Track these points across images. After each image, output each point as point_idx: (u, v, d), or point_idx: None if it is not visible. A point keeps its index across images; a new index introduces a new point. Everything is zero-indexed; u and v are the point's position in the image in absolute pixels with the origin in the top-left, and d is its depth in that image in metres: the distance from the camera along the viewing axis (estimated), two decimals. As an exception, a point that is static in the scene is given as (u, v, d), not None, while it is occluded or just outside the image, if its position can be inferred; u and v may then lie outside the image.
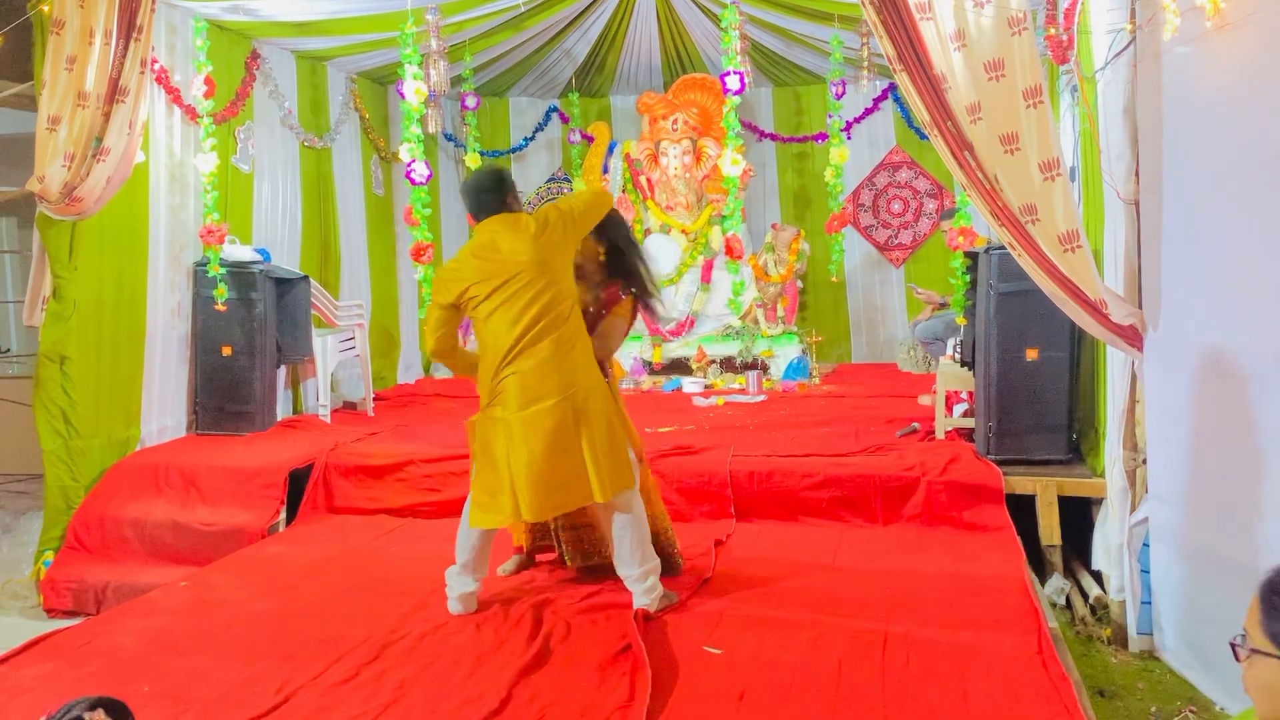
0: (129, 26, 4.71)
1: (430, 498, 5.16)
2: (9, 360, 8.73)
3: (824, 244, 7.93)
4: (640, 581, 3.64)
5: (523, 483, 3.48)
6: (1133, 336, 3.83)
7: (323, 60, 7.34)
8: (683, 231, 8.05)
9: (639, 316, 4.22)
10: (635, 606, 3.61)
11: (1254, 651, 1.56)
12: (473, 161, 8.36)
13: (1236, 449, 3.41)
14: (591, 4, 7.14)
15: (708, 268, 7.94)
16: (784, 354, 7.70)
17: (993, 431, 4.87)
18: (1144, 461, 4.02)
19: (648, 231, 8.12)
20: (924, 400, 6.26)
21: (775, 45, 7.83)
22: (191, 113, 5.86)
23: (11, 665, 3.40)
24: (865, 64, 7.03)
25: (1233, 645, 1.61)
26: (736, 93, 6.29)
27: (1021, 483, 4.69)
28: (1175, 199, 3.66)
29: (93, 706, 1.99)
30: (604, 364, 3.83)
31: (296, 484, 5.24)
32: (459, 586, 3.76)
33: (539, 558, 4.24)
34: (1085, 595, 4.43)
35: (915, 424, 5.60)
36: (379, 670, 3.27)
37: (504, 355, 3.50)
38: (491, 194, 3.62)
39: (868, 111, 8.52)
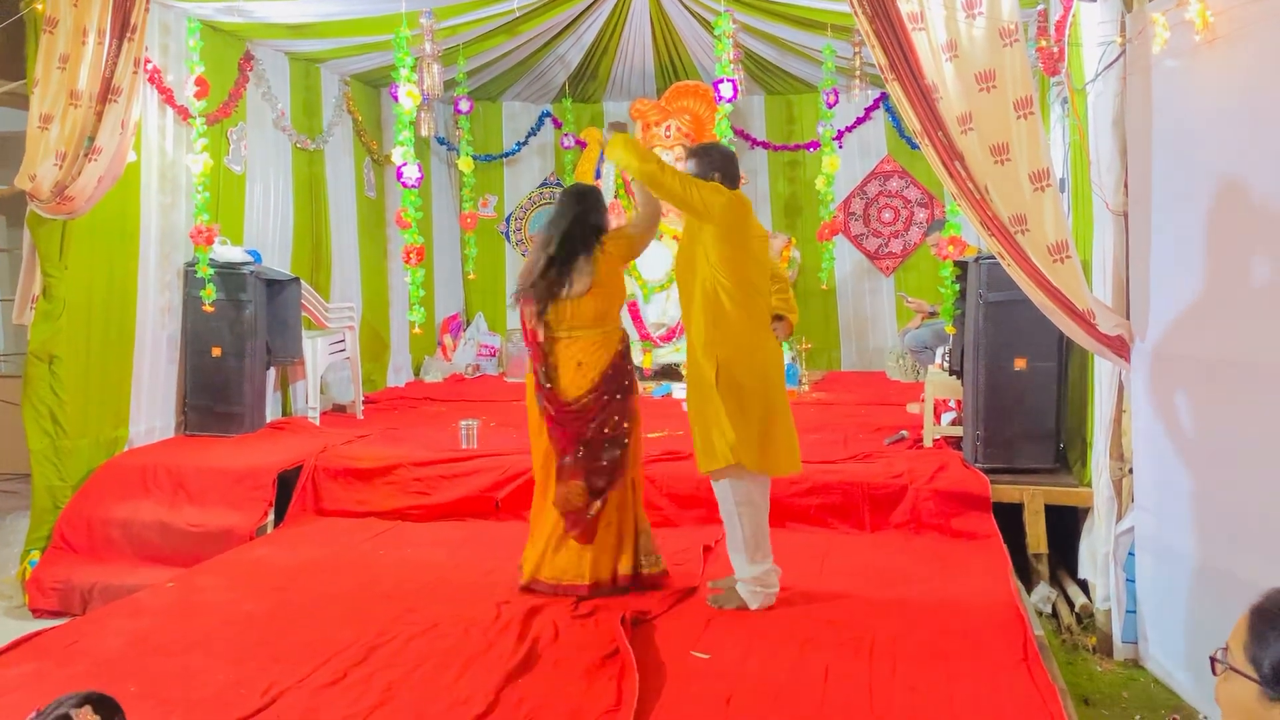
0: (122, 26, 4.71)
1: (419, 501, 5.16)
2: (-4, 359, 8.68)
3: (815, 252, 7.95)
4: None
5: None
6: (1120, 347, 3.85)
7: (316, 62, 7.34)
8: (674, 238, 8.06)
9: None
10: None
11: (1231, 669, 1.59)
12: (465, 165, 8.36)
13: (1222, 459, 3.44)
14: (585, 10, 7.16)
15: (699, 274, 7.93)
16: (774, 361, 7.70)
17: (980, 440, 4.89)
18: (1130, 471, 4.04)
19: (640, 237, 8.13)
20: (912, 408, 6.28)
21: (768, 53, 7.86)
22: (184, 113, 5.85)
23: (-4, 665, 3.39)
24: (857, 73, 7.06)
25: (1212, 659, 1.64)
26: (729, 100, 6.31)
27: (1008, 491, 4.71)
28: (1163, 211, 3.69)
29: (81, 703, 1.98)
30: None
31: (285, 486, 5.23)
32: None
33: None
34: (1071, 604, 4.45)
35: (904, 432, 5.62)
36: (367, 672, 3.27)
37: (761, 310, 3.75)
38: None
39: (859, 120, 8.55)
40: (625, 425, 3.87)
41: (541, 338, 3.87)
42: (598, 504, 3.83)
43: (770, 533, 3.82)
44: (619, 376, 3.86)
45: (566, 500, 3.84)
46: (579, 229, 3.87)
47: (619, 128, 3.88)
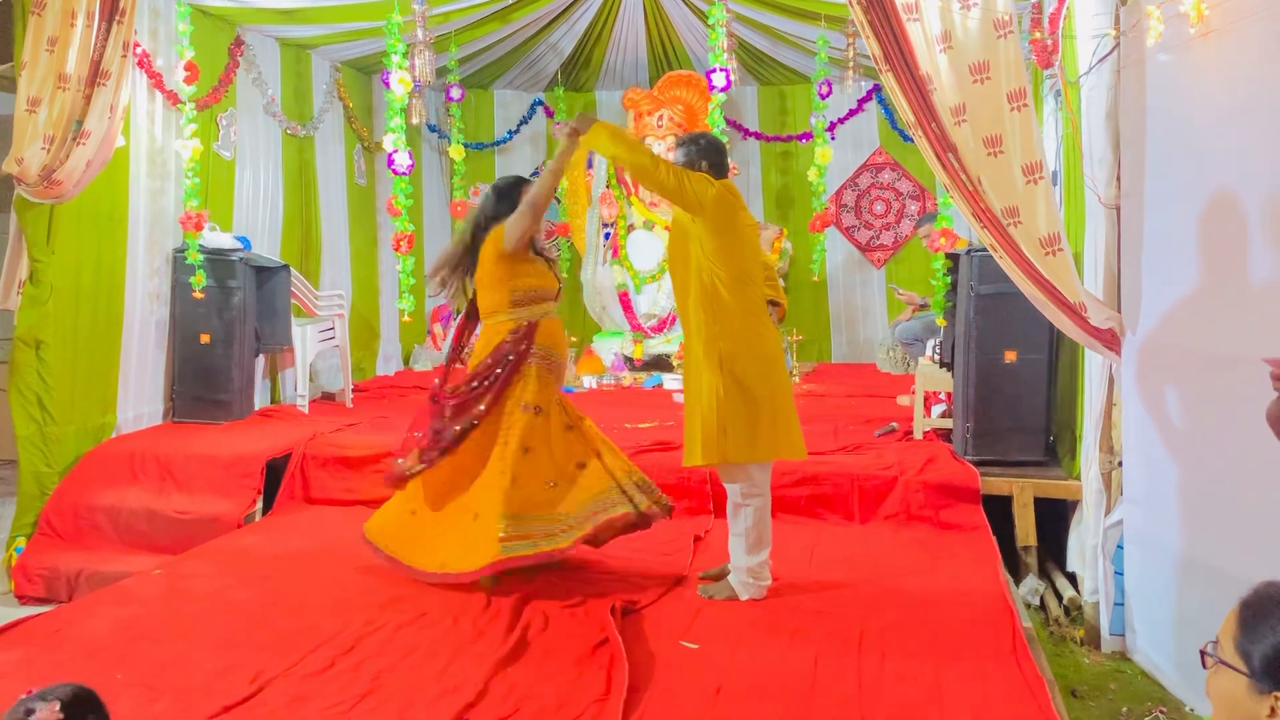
0: (111, 9, 4.67)
1: (408, 489, 5.14)
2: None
3: (806, 243, 7.95)
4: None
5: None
6: (1111, 340, 3.86)
7: (307, 48, 7.29)
8: (665, 228, 8.05)
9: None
10: None
11: (1221, 663, 1.60)
12: (456, 153, 8.32)
13: (1211, 453, 3.45)
14: (579, -2, 7.14)
15: (690, 264, 7.92)
16: (764, 352, 7.69)
17: (970, 432, 4.90)
18: (1120, 464, 4.05)
19: (631, 227, 8.11)
20: (903, 400, 6.28)
21: (762, 44, 7.84)
22: (173, 98, 5.81)
23: (-18, 651, 3.37)
24: (851, 64, 7.05)
25: (1203, 652, 1.65)
26: (722, 90, 6.30)
27: (998, 484, 4.72)
28: (1156, 204, 3.69)
29: (53, 699, 1.94)
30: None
31: (273, 474, 5.21)
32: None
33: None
34: (1059, 596, 4.47)
35: (894, 424, 5.63)
36: (355, 661, 3.26)
37: (758, 298, 3.73)
38: None
39: (852, 112, 8.55)
40: (480, 411, 3.92)
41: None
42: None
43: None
44: (494, 367, 3.93)
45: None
46: (484, 220, 3.98)
47: (586, 120, 3.81)
